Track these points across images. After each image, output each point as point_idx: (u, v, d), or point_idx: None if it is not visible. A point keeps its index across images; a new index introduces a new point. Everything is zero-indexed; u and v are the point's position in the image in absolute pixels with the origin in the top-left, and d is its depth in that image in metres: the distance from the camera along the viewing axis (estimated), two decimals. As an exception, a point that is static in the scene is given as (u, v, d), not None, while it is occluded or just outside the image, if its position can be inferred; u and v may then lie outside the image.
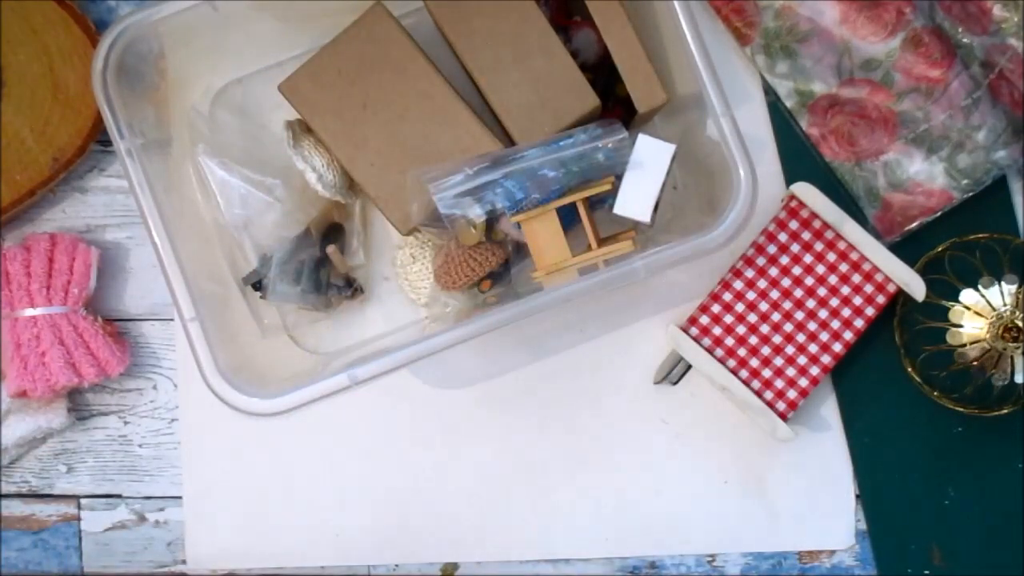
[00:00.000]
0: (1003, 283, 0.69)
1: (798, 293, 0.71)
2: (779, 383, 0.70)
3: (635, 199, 0.63)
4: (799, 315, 0.71)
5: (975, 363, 0.70)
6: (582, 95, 0.65)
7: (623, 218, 0.64)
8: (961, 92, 0.71)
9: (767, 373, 0.70)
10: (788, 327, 0.71)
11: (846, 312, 0.70)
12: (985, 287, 0.70)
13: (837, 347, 0.70)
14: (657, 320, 0.73)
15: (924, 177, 0.72)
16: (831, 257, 0.71)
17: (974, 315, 0.70)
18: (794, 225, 0.71)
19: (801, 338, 0.71)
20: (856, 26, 0.72)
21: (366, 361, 0.61)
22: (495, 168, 0.63)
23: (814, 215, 0.70)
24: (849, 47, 0.72)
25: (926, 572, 0.73)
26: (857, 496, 0.73)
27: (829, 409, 0.74)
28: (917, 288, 0.69)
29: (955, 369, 0.71)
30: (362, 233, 0.72)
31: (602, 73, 0.68)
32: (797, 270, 0.71)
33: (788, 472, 0.73)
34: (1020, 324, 0.68)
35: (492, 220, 0.65)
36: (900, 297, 0.71)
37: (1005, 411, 0.71)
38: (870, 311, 0.70)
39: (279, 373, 0.68)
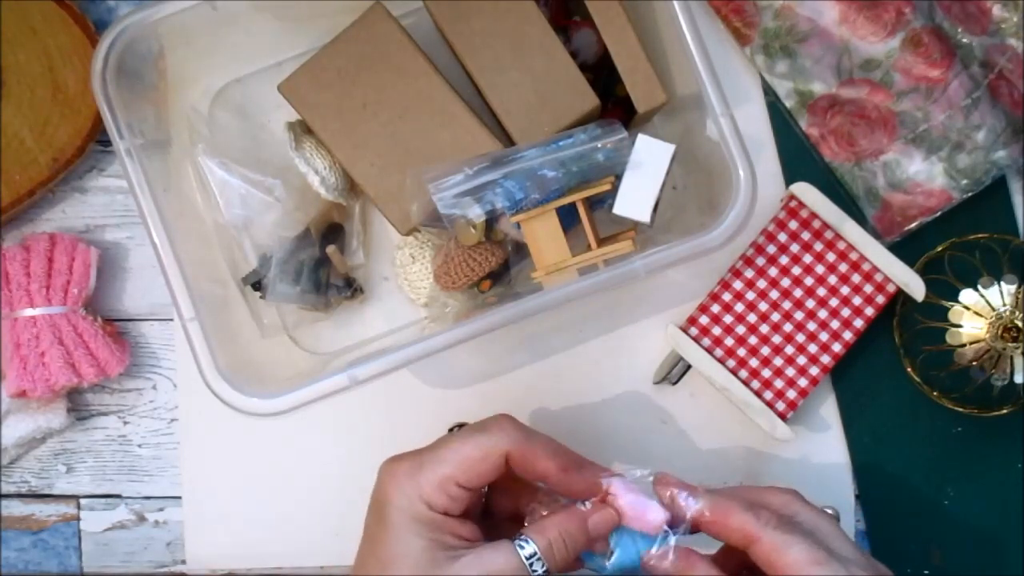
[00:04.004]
0: (1003, 283, 0.69)
1: (797, 293, 0.71)
2: (778, 383, 0.70)
3: (635, 199, 0.63)
4: (798, 315, 0.71)
5: (975, 363, 0.70)
6: (582, 95, 0.65)
7: (623, 218, 0.64)
8: (961, 92, 0.71)
9: (766, 373, 0.70)
10: (787, 327, 0.71)
11: (845, 312, 0.70)
12: (985, 287, 0.70)
13: (836, 347, 0.70)
14: (657, 320, 0.73)
15: (924, 177, 0.72)
16: (830, 257, 0.71)
17: (974, 315, 0.70)
18: (793, 225, 0.71)
19: (800, 338, 0.71)
20: (856, 26, 0.72)
21: (366, 361, 0.61)
22: (495, 168, 0.63)
23: (813, 215, 0.71)
24: (849, 47, 0.72)
25: (925, 572, 0.73)
26: (857, 496, 0.73)
27: (828, 409, 0.74)
28: (916, 288, 0.69)
29: (955, 369, 0.71)
30: (362, 233, 0.72)
31: (602, 73, 0.68)
32: (796, 270, 0.71)
33: (788, 472, 0.73)
34: (1020, 324, 0.68)
35: (492, 220, 0.65)
36: (900, 297, 0.71)
37: (1005, 411, 0.71)
38: (869, 311, 0.70)
39: (279, 373, 0.68)
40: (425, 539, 0.53)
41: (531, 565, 0.53)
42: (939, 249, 0.72)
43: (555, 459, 0.56)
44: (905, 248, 0.71)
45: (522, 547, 0.53)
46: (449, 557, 0.52)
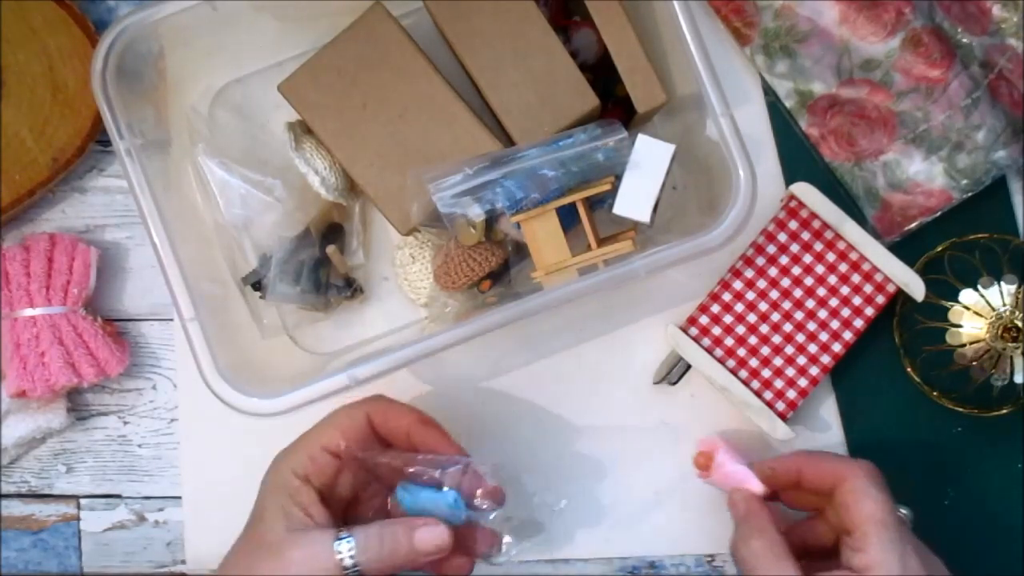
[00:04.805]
0: (1002, 283, 0.69)
1: (797, 293, 0.71)
2: (778, 383, 0.70)
3: (635, 199, 0.63)
4: (798, 315, 0.71)
5: (975, 363, 0.70)
6: (582, 95, 0.65)
7: (623, 218, 0.64)
8: (960, 92, 0.71)
9: (766, 373, 0.70)
10: (787, 327, 0.71)
11: (845, 312, 0.70)
12: (984, 287, 0.70)
13: (836, 347, 0.70)
14: (657, 320, 0.73)
15: (924, 177, 0.72)
16: (830, 257, 0.71)
17: (974, 315, 0.70)
18: (793, 225, 0.71)
19: (800, 338, 0.71)
20: (856, 26, 0.72)
21: (366, 361, 0.61)
22: (495, 168, 0.63)
23: (813, 215, 0.71)
24: (849, 47, 0.72)
25: (926, 572, 0.73)
26: (857, 496, 0.73)
27: (828, 409, 0.74)
28: (916, 288, 0.69)
29: (955, 369, 0.71)
30: (362, 233, 0.72)
31: (602, 73, 0.68)
32: (796, 270, 0.71)
33: (788, 472, 0.73)
34: (1020, 324, 0.68)
35: (492, 220, 0.65)
36: (900, 297, 0.71)
37: (1005, 411, 0.71)
38: (869, 311, 0.70)
39: (279, 373, 0.67)
40: (277, 505, 0.57)
41: (339, 554, 0.55)
42: (939, 249, 0.72)
43: (413, 413, 0.61)
44: (905, 248, 0.71)
45: (340, 538, 0.56)
46: (286, 528, 0.56)
